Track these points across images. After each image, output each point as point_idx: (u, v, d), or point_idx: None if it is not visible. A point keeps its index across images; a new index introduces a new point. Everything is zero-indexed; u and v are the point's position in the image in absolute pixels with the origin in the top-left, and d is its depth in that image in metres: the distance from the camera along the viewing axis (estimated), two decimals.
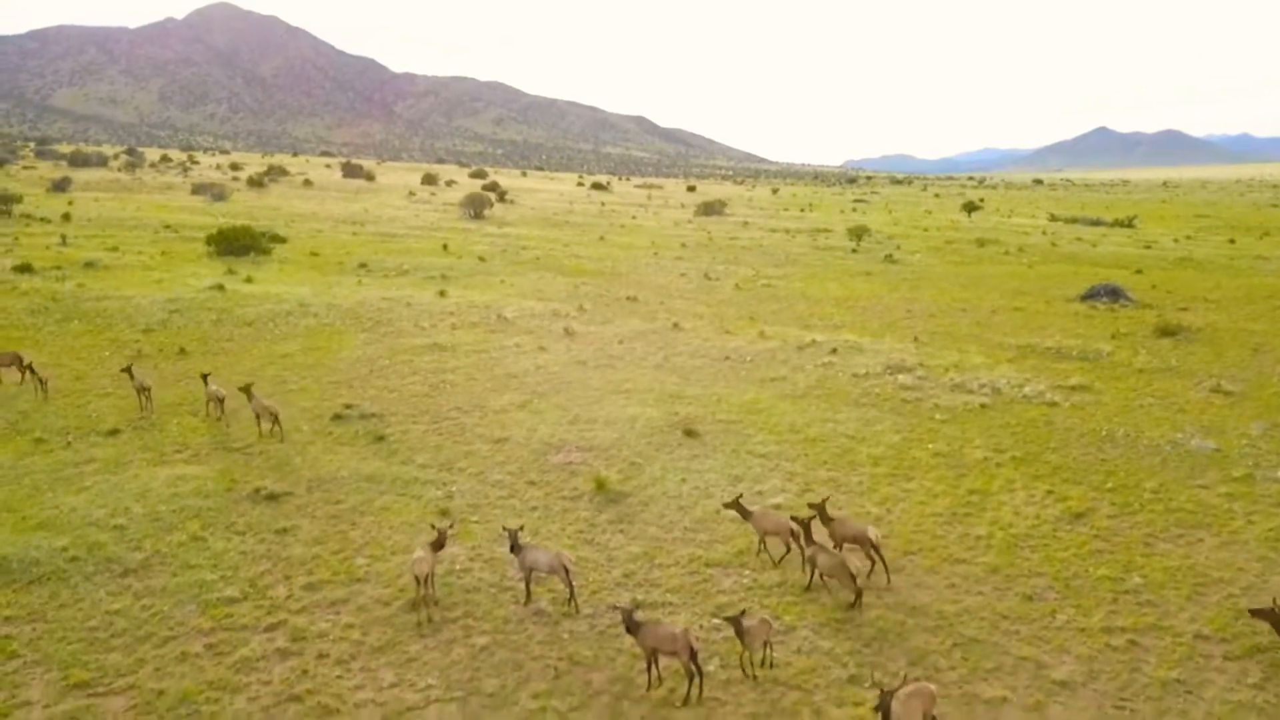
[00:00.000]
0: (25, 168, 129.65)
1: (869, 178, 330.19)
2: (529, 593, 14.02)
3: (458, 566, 15.03)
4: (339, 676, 12.10)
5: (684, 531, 16.57)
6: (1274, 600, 12.81)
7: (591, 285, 46.66)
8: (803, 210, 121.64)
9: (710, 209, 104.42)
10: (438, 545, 14.05)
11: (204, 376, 22.83)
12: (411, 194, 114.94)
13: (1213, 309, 42.54)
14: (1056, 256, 67.75)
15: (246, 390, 21.68)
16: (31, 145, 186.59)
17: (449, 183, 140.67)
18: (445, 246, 60.11)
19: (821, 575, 14.49)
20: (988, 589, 14.61)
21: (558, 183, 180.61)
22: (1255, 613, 12.82)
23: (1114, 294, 44.81)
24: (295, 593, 14.14)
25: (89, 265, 45.83)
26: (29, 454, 19.56)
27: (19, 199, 75.16)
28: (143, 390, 23.10)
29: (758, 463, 20.01)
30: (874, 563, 15.02)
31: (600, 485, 18.22)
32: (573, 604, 13.81)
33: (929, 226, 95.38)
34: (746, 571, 15.09)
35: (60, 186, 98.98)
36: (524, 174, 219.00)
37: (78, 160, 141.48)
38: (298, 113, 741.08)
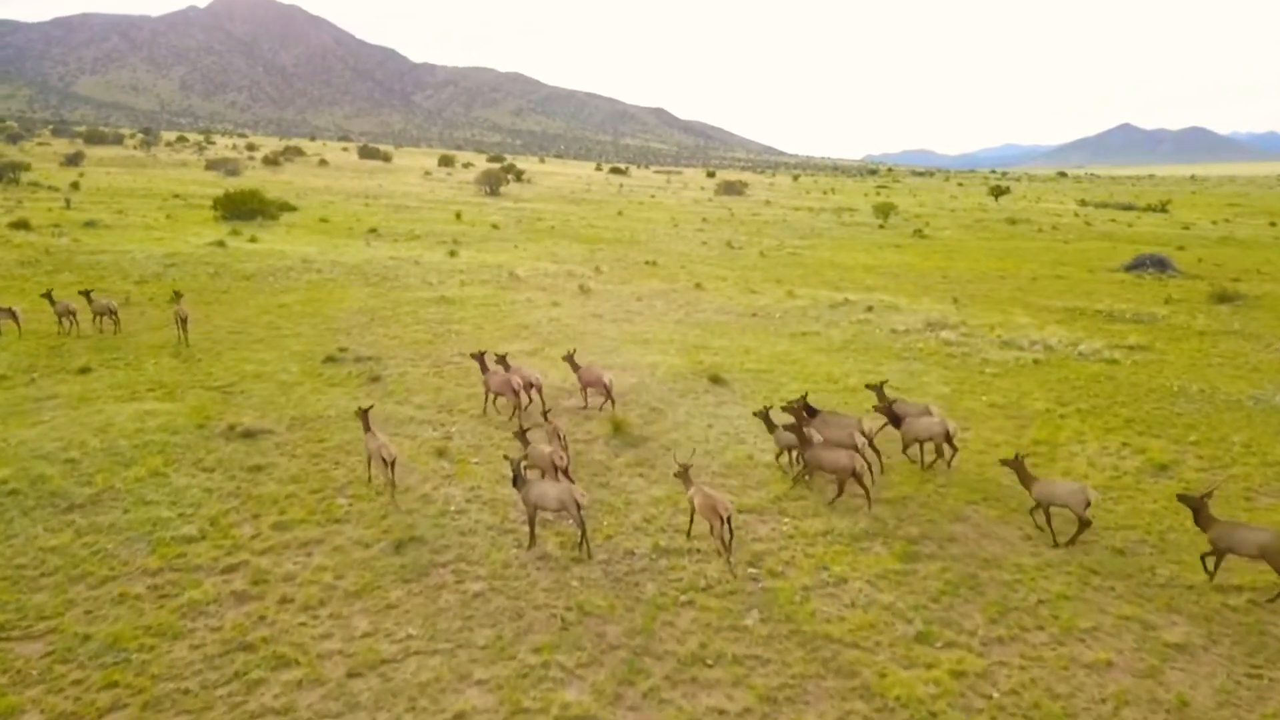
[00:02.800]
0: (40, 144, 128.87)
1: (889, 170, 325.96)
2: (533, 535, 11.98)
3: (453, 508, 12.98)
4: (302, 624, 10.09)
5: (712, 476, 14.47)
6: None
7: (609, 251, 44.57)
8: (825, 193, 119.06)
9: (731, 188, 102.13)
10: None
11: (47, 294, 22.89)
12: (428, 174, 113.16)
13: (1266, 280, 40.00)
14: (1093, 234, 65.07)
15: (86, 295, 23.06)
16: (50, 126, 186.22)
17: (466, 165, 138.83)
18: (459, 216, 58.19)
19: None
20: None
21: (576, 168, 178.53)
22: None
23: (1160, 264, 42.33)
24: (263, 532, 12.14)
25: (89, 224, 44.20)
26: None
27: (27, 167, 73.97)
28: (105, 314, 23.06)
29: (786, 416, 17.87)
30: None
31: (617, 428, 16.16)
32: (584, 548, 11.74)
33: (956, 208, 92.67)
34: (785, 519, 12.96)
35: (73, 161, 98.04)
36: (542, 160, 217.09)
37: (94, 139, 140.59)
38: (318, 102, 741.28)
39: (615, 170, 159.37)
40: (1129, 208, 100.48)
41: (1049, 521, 12.57)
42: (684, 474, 12.26)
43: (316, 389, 18.38)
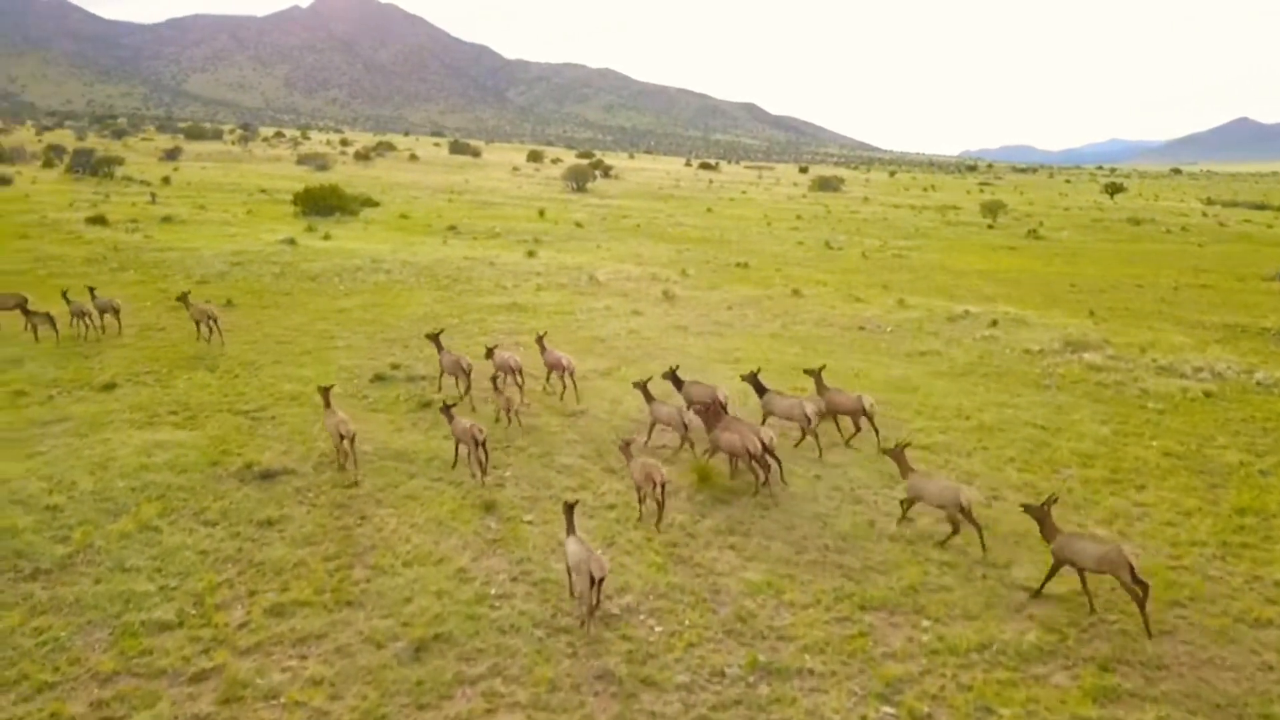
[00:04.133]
0: (144, 139, 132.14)
1: (989, 166, 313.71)
2: (590, 604, 9.18)
3: (493, 590, 10.25)
4: None
5: (823, 552, 11.43)
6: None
7: (696, 251, 41.57)
8: (925, 190, 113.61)
9: (826, 184, 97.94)
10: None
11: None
12: (515, 169, 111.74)
13: None
14: (1229, 236, 59.28)
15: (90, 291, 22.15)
16: (156, 123, 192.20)
17: (554, 160, 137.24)
18: (541, 213, 55.93)
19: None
20: None
21: (664, 163, 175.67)
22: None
23: None
24: (254, 618, 9.60)
25: (166, 220, 43.27)
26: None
27: (121, 161, 74.86)
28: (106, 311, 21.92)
29: (919, 456, 14.65)
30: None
31: (704, 478, 13.21)
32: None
33: (1069, 207, 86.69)
34: (925, 622, 9.85)
35: (171, 155, 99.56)
36: (631, 156, 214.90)
37: (194, 134, 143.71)
38: (413, 98, 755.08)
39: (705, 166, 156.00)
40: (1262, 207, 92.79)
41: (1084, 586, 10.22)
42: (626, 449, 12.40)
43: (356, 415, 15.89)
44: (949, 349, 22.81)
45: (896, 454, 12.37)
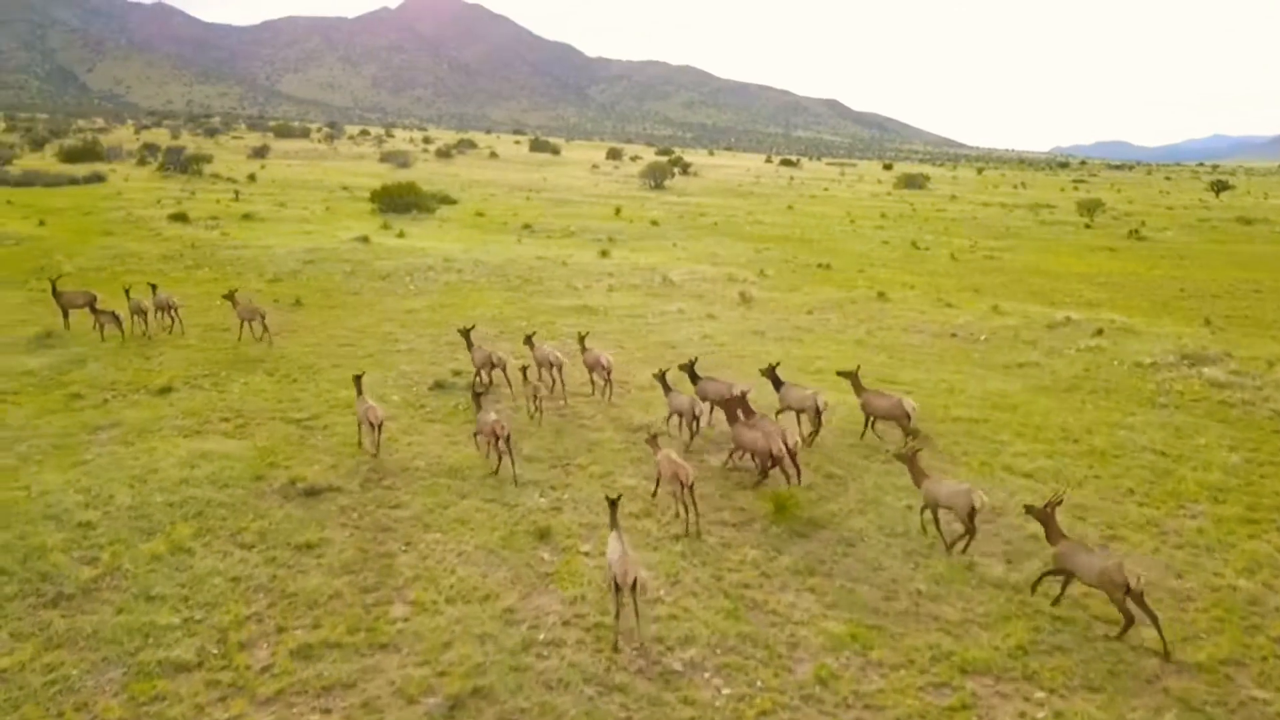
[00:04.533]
0: (234, 137, 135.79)
1: (1083, 163, 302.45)
2: (618, 607, 7.99)
3: (541, 636, 9.17)
4: None
5: (915, 599, 10.07)
6: None
7: (776, 251, 40.08)
8: (1015, 188, 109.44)
9: (911, 182, 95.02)
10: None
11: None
12: (594, 167, 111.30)
13: None
14: None
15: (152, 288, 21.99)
16: (247, 121, 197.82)
17: (633, 158, 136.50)
18: (618, 211, 55.02)
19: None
20: None
21: (745, 160, 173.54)
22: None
23: None
24: (278, 661, 8.71)
25: (246, 217, 43.58)
26: (51, 411, 15.29)
27: (209, 159, 76.47)
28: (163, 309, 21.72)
29: (1022, 485, 13.14)
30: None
31: (780, 507, 11.93)
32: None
33: (1172, 205, 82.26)
34: (1039, 693, 8.44)
35: (259, 153, 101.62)
36: (711, 153, 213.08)
37: (283, 133, 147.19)
38: (496, 97, 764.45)
39: (786, 162, 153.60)
40: None
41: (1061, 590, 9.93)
42: (653, 441, 12.28)
43: (412, 426, 15.05)
44: (1050, 360, 21.01)
45: (910, 459, 11.60)
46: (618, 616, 9.01)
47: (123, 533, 10.94)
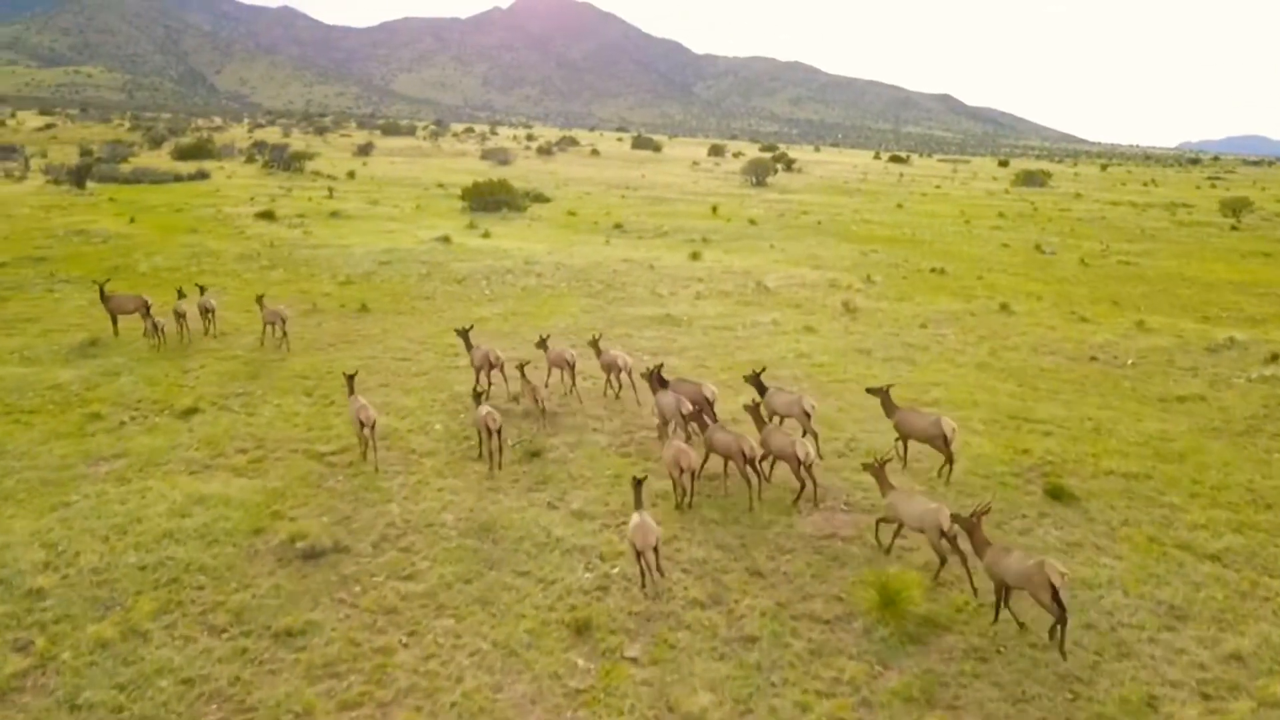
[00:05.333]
0: (343, 135, 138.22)
1: (1215, 159, 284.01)
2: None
3: None
4: None
5: None
6: None
7: (884, 254, 36.87)
8: (1145, 185, 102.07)
9: (1031, 179, 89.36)
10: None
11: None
12: (695, 164, 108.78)
13: None
14: None
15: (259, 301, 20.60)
16: (356, 120, 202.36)
17: (736, 154, 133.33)
18: (714, 210, 52.40)
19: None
20: None
21: (851, 157, 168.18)
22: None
23: None
24: None
25: (333, 215, 42.71)
26: (60, 435, 13.76)
27: (311, 156, 77.01)
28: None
29: (1206, 572, 10.15)
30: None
31: (889, 598, 9.24)
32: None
33: None
34: None
35: (363, 151, 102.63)
36: (816, 149, 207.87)
37: (389, 130, 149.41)
38: (603, 94, 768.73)
39: (895, 159, 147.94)
40: None
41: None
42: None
43: (448, 466, 12.90)
44: (1217, 393, 17.59)
45: (877, 470, 10.85)
46: (643, 575, 9.74)
47: (75, 606, 9.06)
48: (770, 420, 13.54)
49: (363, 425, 12.83)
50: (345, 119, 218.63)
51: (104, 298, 20.37)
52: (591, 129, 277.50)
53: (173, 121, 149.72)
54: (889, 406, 13.65)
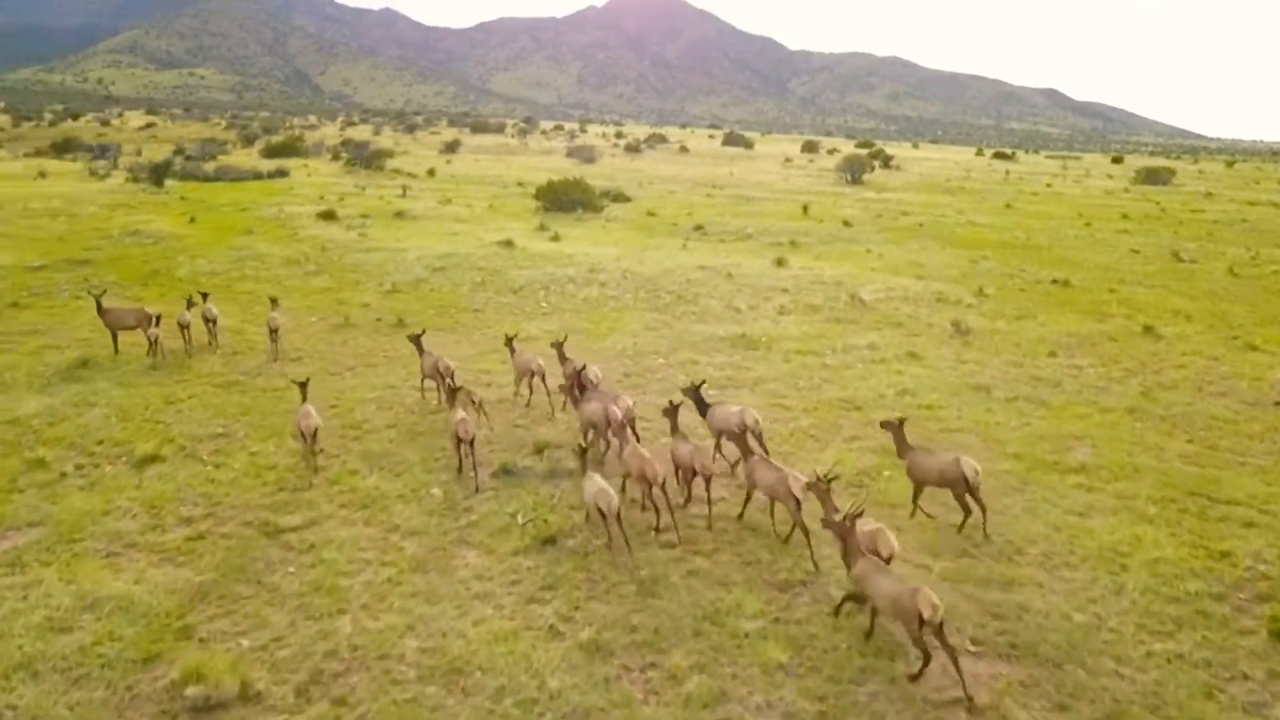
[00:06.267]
0: (432, 133, 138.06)
1: None
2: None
3: None
4: None
5: None
6: None
7: (995, 261, 32.65)
8: None
9: (1153, 177, 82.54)
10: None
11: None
12: (787, 161, 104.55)
13: None
14: None
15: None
16: (447, 118, 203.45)
17: (830, 151, 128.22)
18: (805, 210, 48.54)
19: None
20: None
21: (952, 153, 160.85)
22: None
23: None
24: None
25: (398, 215, 40.51)
26: None
27: (391, 154, 75.82)
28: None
29: None
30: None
31: None
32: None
33: None
34: None
35: (450, 148, 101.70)
36: (915, 145, 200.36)
37: (478, 128, 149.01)
38: (696, 92, 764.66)
39: (999, 155, 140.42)
40: None
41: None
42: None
43: (434, 554, 9.84)
44: None
45: (895, 427, 10.81)
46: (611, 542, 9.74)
47: None
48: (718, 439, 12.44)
49: (305, 437, 11.98)
50: (437, 117, 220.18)
51: (101, 310, 18.10)
52: (683, 126, 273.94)
53: (268, 120, 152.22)
54: (901, 445, 11.26)
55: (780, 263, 29.74)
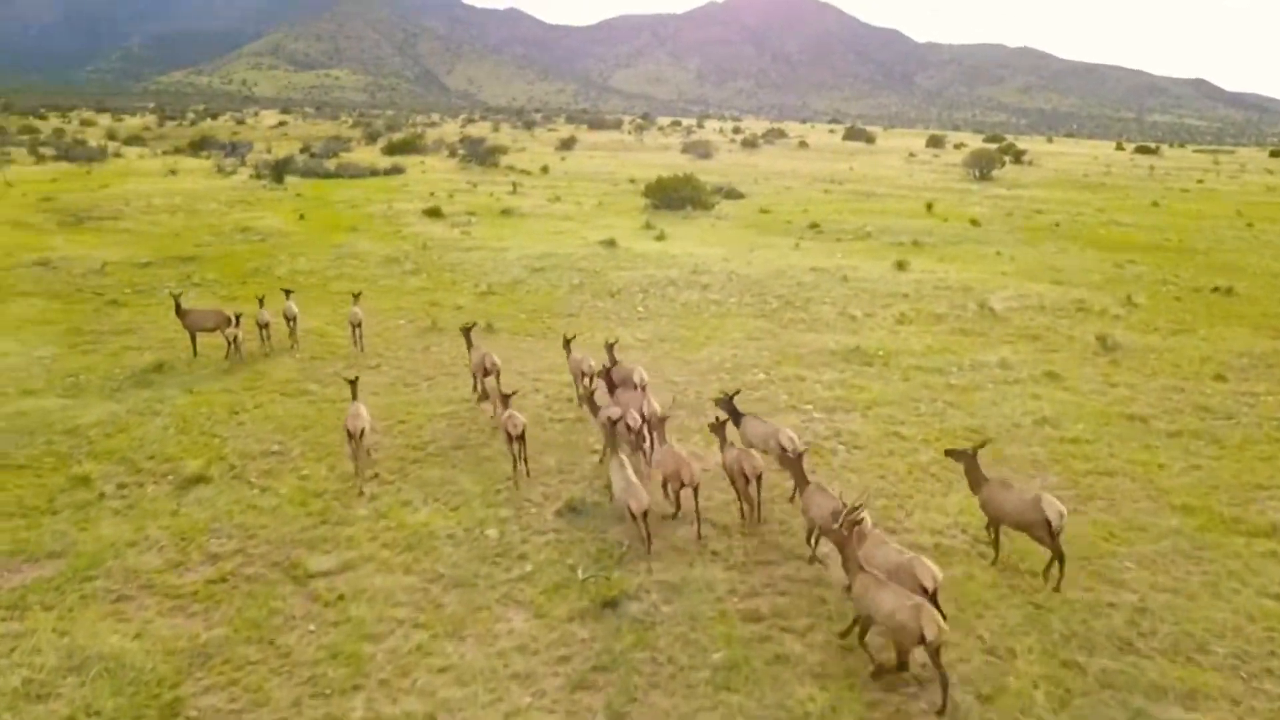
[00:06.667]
0: (550, 130, 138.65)
1: None
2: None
3: None
4: None
5: None
6: None
7: (1145, 266, 29.43)
8: None
9: None
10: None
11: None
12: (911, 155, 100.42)
13: None
14: None
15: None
16: (565, 114, 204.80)
17: (957, 145, 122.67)
18: (929, 207, 45.64)
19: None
20: None
21: (1089, 147, 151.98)
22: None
23: None
24: None
25: (504, 213, 39.79)
26: (12, 514, 10.50)
27: (505, 150, 75.86)
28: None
29: None
30: None
31: None
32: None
33: None
34: None
35: (566, 145, 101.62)
36: (1049, 139, 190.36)
37: (595, 124, 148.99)
38: (818, 86, 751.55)
39: (1142, 149, 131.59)
40: None
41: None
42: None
43: (475, 614, 8.41)
44: None
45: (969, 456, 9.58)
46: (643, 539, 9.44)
47: None
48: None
49: (350, 436, 11.41)
50: (555, 114, 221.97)
51: (180, 312, 17.57)
52: (803, 121, 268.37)
53: (392, 118, 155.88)
54: (974, 478, 9.80)
55: (901, 265, 27.42)
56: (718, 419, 11.18)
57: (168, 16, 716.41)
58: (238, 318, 17.41)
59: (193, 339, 17.52)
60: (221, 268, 27.41)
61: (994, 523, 9.53)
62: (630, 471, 9.77)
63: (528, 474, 11.53)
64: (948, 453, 10.10)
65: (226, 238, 32.93)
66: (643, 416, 11.87)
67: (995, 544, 9.57)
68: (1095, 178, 73.00)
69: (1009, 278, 26.58)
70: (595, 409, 12.08)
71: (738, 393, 12.26)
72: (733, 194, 50.41)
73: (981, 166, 71.00)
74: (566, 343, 15.11)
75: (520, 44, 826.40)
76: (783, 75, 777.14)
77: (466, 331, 15.86)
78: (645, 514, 9.45)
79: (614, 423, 11.06)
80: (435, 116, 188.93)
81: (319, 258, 28.89)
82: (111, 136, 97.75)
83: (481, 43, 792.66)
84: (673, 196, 44.46)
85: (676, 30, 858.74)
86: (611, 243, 30.89)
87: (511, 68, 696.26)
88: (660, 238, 33.50)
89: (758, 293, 23.96)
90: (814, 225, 38.09)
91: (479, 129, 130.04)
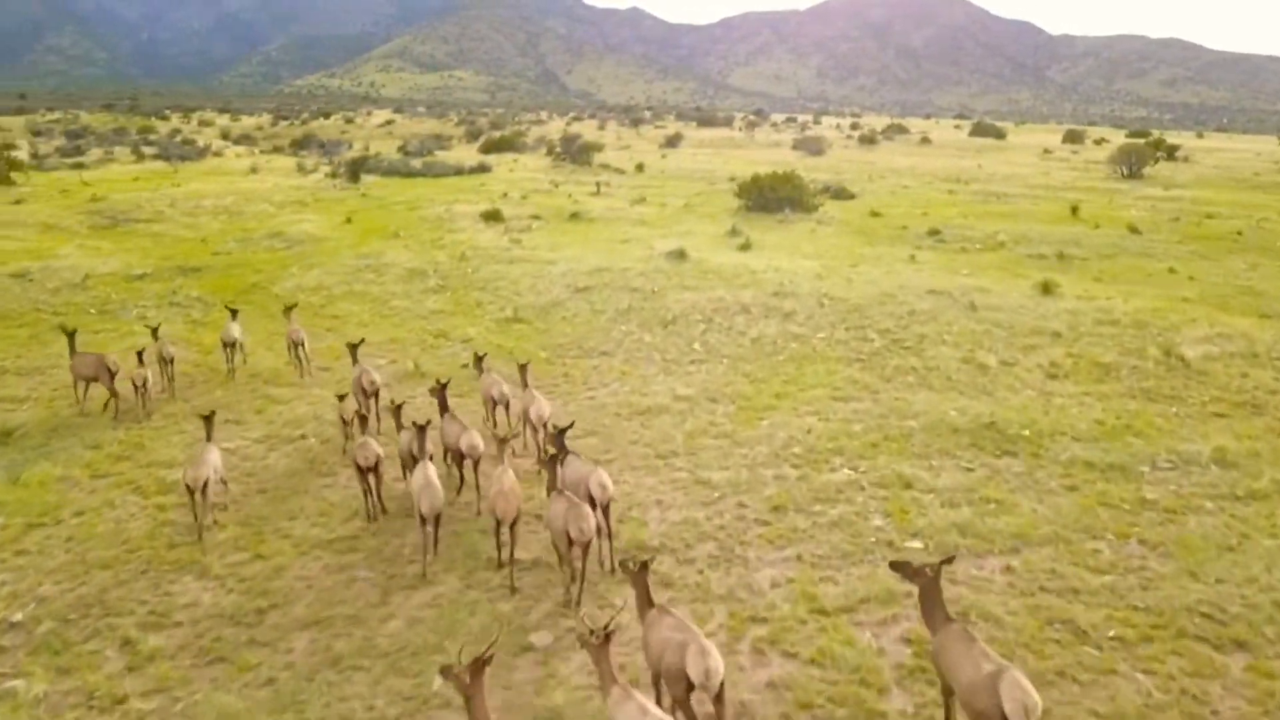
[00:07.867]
0: (657, 127, 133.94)
1: None
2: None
3: None
4: None
5: None
6: None
7: None
8: None
9: None
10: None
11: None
12: (1046, 152, 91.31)
13: None
14: None
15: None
16: (675, 111, 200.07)
17: (1098, 141, 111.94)
18: (1074, 210, 38.54)
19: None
20: None
21: (1248, 143, 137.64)
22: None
23: None
24: None
25: (573, 216, 35.02)
26: None
27: (599, 148, 71.59)
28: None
29: None
30: None
31: None
32: None
33: None
34: None
35: (671, 143, 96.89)
36: (1199, 135, 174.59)
37: (705, 121, 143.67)
38: (944, 81, 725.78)
39: None
40: None
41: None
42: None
43: None
44: None
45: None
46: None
47: None
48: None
49: (189, 490, 9.55)
50: (667, 111, 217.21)
51: (71, 352, 13.30)
52: (927, 117, 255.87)
53: (498, 117, 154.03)
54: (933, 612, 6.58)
55: (1047, 288, 21.16)
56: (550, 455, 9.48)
57: (305, 21, 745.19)
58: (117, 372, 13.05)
59: (75, 388, 13.21)
60: (219, 282, 23.46)
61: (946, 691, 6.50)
62: (432, 471, 9.16)
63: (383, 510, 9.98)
64: (892, 565, 7.06)
65: (252, 244, 29.24)
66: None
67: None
68: (1266, 176, 63.43)
69: (1195, 306, 20.10)
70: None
71: (571, 424, 9.97)
72: (841, 194, 44.43)
73: (1130, 164, 62.36)
74: (478, 360, 13.39)
75: (641, 43, 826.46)
76: (907, 71, 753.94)
77: (353, 348, 13.88)
78: (437, 519, 8.99)
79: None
80: (544, 114, 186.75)
81: (335, 270, 24.67)
82: (224, 136, 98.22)
83: (602, 42, 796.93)
84: (769, 197, 38.84)
85: (798, 27, 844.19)
86: (681, 254, 25.58)
87: (631, 67, 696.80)
88: (744, 247, 28.10)
89: (856, 325, 18.35)
90: (934, 232, 31.92)
91: (584, 127, 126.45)
